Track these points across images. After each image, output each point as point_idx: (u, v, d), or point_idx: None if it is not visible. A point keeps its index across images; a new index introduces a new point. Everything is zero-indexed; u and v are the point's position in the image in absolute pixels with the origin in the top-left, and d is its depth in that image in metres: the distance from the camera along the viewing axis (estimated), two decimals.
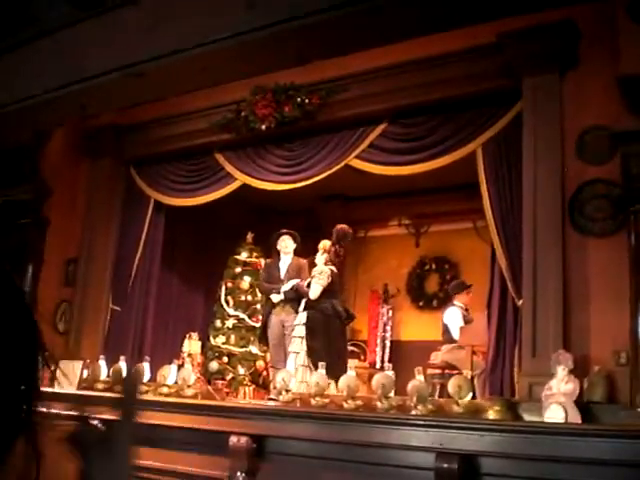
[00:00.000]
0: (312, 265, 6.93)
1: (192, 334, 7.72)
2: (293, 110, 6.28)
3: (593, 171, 4.82)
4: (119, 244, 7.63)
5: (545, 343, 4.68)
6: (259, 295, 7.88)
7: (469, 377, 5.12)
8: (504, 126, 5.46)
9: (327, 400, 5.11)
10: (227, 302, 7.94)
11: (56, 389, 5.94)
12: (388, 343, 9.60)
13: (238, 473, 5.02)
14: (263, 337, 7.24)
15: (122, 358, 6.53)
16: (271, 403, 5.62)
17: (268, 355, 7.39)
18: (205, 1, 4.73)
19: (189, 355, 7.41)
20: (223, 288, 8.02)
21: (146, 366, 6.31)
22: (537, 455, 3.94)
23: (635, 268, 4.31)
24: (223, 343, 7.70)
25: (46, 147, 7.44)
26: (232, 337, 7.72)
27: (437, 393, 6.52)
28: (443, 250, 9.72)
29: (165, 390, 5.98)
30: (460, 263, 9.56)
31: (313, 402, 5.11)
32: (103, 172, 7.65)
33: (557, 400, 4.21)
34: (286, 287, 7.02)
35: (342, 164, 6.34)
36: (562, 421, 4.12)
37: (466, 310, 7.56)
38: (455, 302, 7.68)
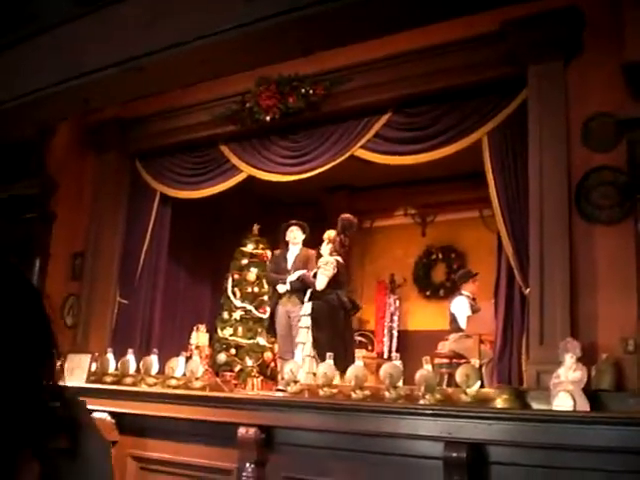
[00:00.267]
0: (319, 256, 6.94)
1: (200, 326, 7.74)
2: (297, 101, 6.27)
3: (599, 158, 4.80)
4: (126, 237, 7.63)
5: (553, 331, 4.67)
6: (266, 286, 7.89)
7: (477, 366, 5.11)
8: (509, 114, 5.43)
9: (335, 390, 5.12)
10: (234, 294, 7.95)
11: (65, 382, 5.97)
12: (395, 333, 9.61)
13: (247, 464, 5.04)
14: (271, 328, 7.27)
15: (130, 351, 6.55)
16: (279, 394, 5.64)
17: (276, 346, 7.41)
18: None
19: (197, 347, 7.43)
20: (230, 280, 8.03)
21: (154, 358, 6.33)
22: (545, 443, 3.95)
23: None
24: (231, 335, 7.71)
25: (51, 142, 7.45)
26: (239, 329, 7.74)
27: (445, 382, 6.53)
28: (449, 239, 9.72)
29: (173, 382, 6.00)
30: (467, 252, 9.55)
31: (321, 393, 5.12)
32: (109, 166, 7.66)
33: (565, 388, 4.21)
34: (292, 277, 7.04)
35: (347, 155, 6.33)
36: (570, 409, 4.12)
37: (473, 299, 7.57)
38: (462, 291, 7.68)
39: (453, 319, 7.49)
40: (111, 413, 5.78)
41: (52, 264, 7.32)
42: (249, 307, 7.86)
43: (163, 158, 7.57)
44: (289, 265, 7.21)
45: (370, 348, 9.31)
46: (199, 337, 7.61)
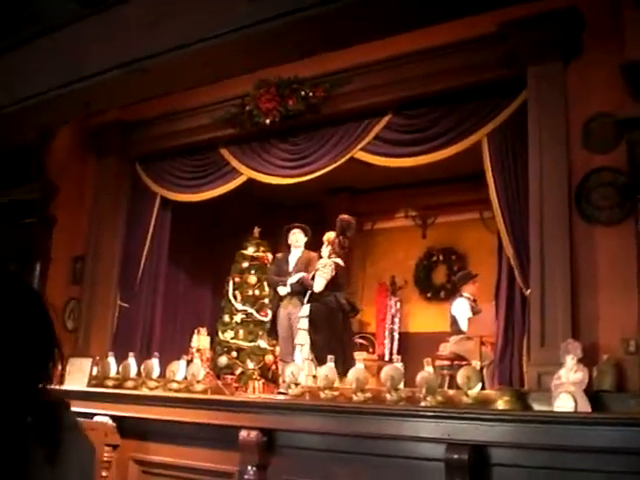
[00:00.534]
0: (320, 258, 6.94)
1: (201, 329, 7.74)
2: (297, 103, 6.27)
3: (599, 159, 4.80)
4: (126, 241, 7.63)
5: (554, 332, 4.67)
6: (266, 289, 7.89)
7: (478, 368, 5.10)
8: (509, 116, 5.43)
9: (336, 393, 5.12)
10: (235, 297, 7.95)
11: (66, 386, 5.98)
12: (396, 335, 9.60)
13: (249, 467, 5.04)
14: (273, 331, 7.27)
15: (131, 354, 6.55)
16: (280, 397, 5.63)
17: (277, 349, 7.41)
18: None
19: (198, 350, 7.43)
20: (231, 283, 8.03)
21: (155, 362, 6.33)
22: (547, 444, 3.95)
23: None
24: (232, 338, 7.71)
25: (51, 145, 7.45)
26: (240, 332, 7.73)
27: (446, 384, 6.52)
28: (450, 241, 9.71)
29: (175, 386, 6.00)
30: (467, 254, 9.54)
31: (322, 395, 5.11)
32: (109, 169, 7.66)
33: (566, 389, 4.20)
34: (292, 280, 7.05)
35: (347, 157, 6.33)
36: (572, 410, 4.12)
37: (474, 301, 7.56)
38: (463, 293, 7.68)
39: (454, 321, 7.49)
40: (112, 417, 5.78)
41: (53, 268, 7.32)
42: (250, 310, 7.85)
43: (163, 161, 7.58)
44: (290, 268, 7.22)
45: (371, 350, 9.29)
46: (200, 340, 7.61)
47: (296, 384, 5.42)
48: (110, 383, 6.38)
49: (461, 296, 7.66)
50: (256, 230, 8.28)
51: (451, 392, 5.03)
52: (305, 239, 7.36)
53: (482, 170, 5.55)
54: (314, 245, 7.31)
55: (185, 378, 6.07)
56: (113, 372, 6.52)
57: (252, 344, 7.65)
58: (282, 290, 7.11)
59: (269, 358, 7.58)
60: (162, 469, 5.70)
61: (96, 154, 7.76)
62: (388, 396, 4.79)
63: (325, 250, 6.87)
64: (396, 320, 9.69)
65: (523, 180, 5.19)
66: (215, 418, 5.29)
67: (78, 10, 5.21)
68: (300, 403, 5.15)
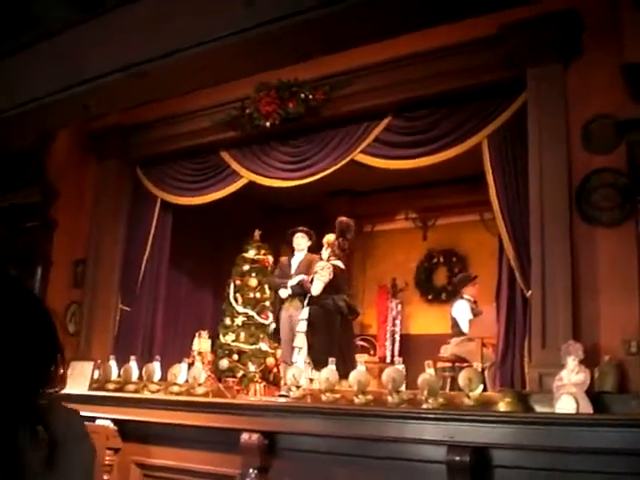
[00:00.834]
0: (320, 260, 6.95)
1: (202, 332, 7.72)
2: (297, 106, 6.27)
3: (599, 160, 4.80)
4: (127, 244, 7.64)
5: (555, 334, 4.67)
6: (268, 292, 7.89)
7: (479, 369, 5.10)
8: (509, 117, 5.43)
9: (338, 395, 5.12)
10: (236, 300, 7.94)
11: (67, 390, 5.97)
12: (398, 337, 9.61)
13: (250, 470, 5.04)
14: (276, 333, 7.30)
15: (132, 358, 6.55)
16: (282, 400, 5.63)
17: (278, 352, 7.41)
18: None
19: (199, 353, 7.42)
20: (232, 286, 8.02)
21: (156, 365, 6.33)
22: (549, 446, 3.94)
23: None
24: (233, 341, 7.70)
25: (52, 149, 7.46)
26: (242, 335, 7.72)
27: (448, 386, 6.53)
28: (450, 243, 9.72)
29: (176, 389, 5.99)
30: (468, 256, 9.56)
31: (324, 398, 5.11)
32: (110, 173, 7.66)
33: (568, 391, 4.20)
34: (292, 282, 7.06)
35: (348, 159, 6.33)
36: (573, 412, 4.11)
37: (475, 303, 7.57)
38: (464, 295, 7.69)
39: (455, 323, 7.50)
40: (114, 420, 5.78)
41: (54, 272, 7.33)
42: (251, 313, 7.84)
43: (164, 165, 7.58)
44: (292, 271, 7.25)
45: (372, 352, 9.30)
46: (201, 343, 7.60)
47: (297, 387, 5.42)
48: (111, 386, 6.38)
49: (462, 298, 7.67)
50: (257, 233, 8.27)
51: (452, 394, 5.03)
52: (309, 243, 7.40)
53: (482, 172, 5.55)
54: (314, 248, 7.33)
55: (186, 381, 6.06)
56: (114, 375, 6.51)
57: (253, 347, 7.64)
58: (283, 293, 7.14)
59: (270, 361, 7.57)
60: (164, 472, 5.70)
61: (96, 157, 7.76)
62: (389, 398, 4.79)
63: (325, 253, 6.87)
64: (397, 322, 9.70)
65: (523, 181, 5.19)
66: (216, 421, 5.29)
67: (78, 14, 5.21)
68: (301, 406, 5.15)
